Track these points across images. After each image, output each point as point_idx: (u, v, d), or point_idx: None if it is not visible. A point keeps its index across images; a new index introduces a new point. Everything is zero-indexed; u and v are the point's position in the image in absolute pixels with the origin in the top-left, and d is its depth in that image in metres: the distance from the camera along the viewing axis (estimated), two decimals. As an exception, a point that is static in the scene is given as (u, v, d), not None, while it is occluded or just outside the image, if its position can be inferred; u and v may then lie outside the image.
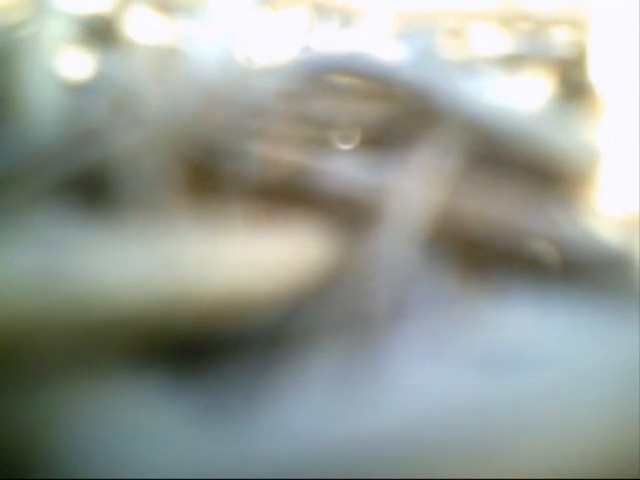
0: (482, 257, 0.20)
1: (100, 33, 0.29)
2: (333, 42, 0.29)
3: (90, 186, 0.21)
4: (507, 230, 0.20)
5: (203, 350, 0.17)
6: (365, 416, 0.13)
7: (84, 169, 0.21)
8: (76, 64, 0.25)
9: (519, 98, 0.23)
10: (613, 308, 0.16)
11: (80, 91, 0.24)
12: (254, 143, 0.22)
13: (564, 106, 0.24)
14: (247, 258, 0.18)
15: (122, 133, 0.21)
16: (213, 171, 0.22)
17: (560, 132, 0.22)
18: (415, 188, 0.20)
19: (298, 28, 0.31)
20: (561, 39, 0.29)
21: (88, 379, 0.15)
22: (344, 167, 0.22)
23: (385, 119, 0.24)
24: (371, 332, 0.17)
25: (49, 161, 0.21)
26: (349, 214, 0.21)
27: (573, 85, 0.26)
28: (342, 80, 0.25)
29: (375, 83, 0.24)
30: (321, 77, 0.25)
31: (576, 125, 0.23)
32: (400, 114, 0.23)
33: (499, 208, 0.21)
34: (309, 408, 0.14)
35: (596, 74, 0.26)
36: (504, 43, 0.29)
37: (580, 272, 0.20)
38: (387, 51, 0.25)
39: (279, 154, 0.22)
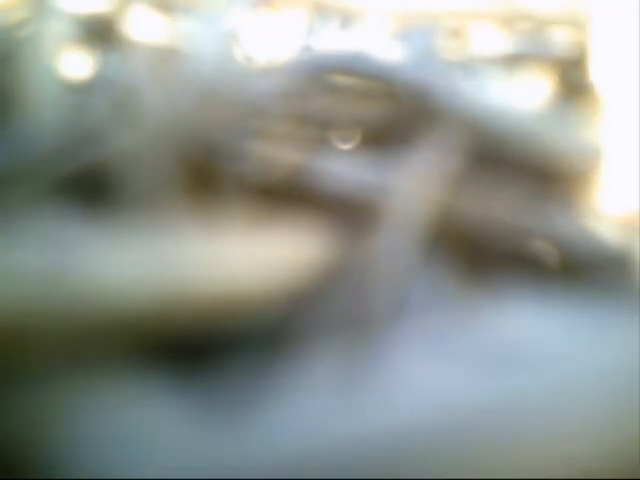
0: (482, 257, 0.20)
1: (100, 33, 0.29)
2: (333, 42, 0.29)
3: (90, 186, 0.21)
4: (507, 230, 0.20)
5: (203, 350, 0.17)
6: (365, 416, 0.13)
7: (84, 169, 0.21)
8: (76, 64, 0.25)
9: (519, 98, 0.23)
10: (613, 308, 0.16)
11: (80, 91, 0.24)
12: (254, 143, 0.22)
13: (564, 106, 0.24)
14: (247, 258, 0.18)
15: (122, 133, 0.21)
16: (213, 171, 0.22)
17: (560, 132, 0.22)
18: (415, 188, 0.20)
19: (298, 28, 0.31)
20: (561, 39, 0.29)
21: (88, 379, 0.15)
22: (344, 167, 0.22)
23: (385, 119, 0.24)
24: (371, 332, 0.17)
25: (49, 161, 0.21)
26: (349, 214, 0.21)
27: (573, 85, 0.26)
28: (342, 80, 0.25)
29: (375, 83, 0.24)
30: (321, 77, 0.25)
31: (576, 125, 0.23)
32: (400, 114, 0.23)
33: (499, 208, 0.21)
34: (309, 408, 0.14)
35: (596, 74, 0.26)
36: (504, 43, 0.29)
37: (580, 272, 0.20)
38: (387, 51, 0.25)
39: (279, 154, 0.22)
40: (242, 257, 0.18)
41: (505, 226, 0.20)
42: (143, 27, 0.29)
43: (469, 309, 0.17)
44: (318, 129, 0.23)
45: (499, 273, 0.20)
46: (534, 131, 0.22)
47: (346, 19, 0.32)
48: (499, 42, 0.29)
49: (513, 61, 0.27)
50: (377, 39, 0.29)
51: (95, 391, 0.14)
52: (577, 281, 0.19)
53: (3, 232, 0.16)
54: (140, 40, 0.28)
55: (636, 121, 0.23)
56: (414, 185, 0.21)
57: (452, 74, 0.24)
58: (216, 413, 0.14)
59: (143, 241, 0.17)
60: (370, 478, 0.12)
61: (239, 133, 0.22)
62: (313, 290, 0.18)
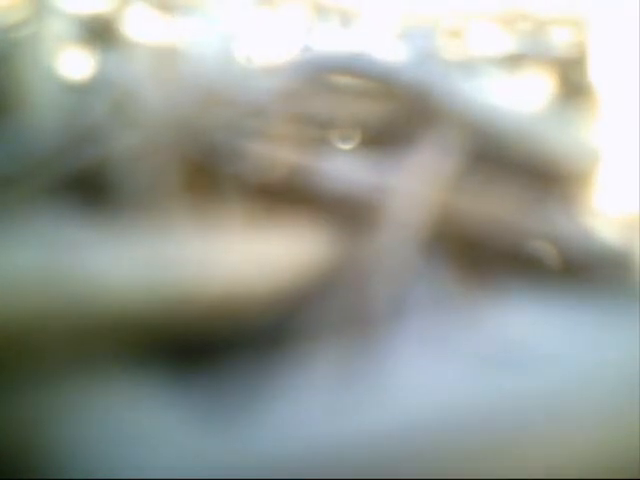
0: (482, 257, 0.20)
1: (100, 33, 0.29)
2: (333, 42, 0.29)
3: (90, 186, 0.21)
4: (507, 230, 0.20)
5: (203, 349, 0.17)
6: (365, 415, 0.13)
7: (84, 169, 0.21)
8: (76, 64, 0.25)
9: (519, 98, 0.23)
10: (613, 308, 0.16)
11: (80, 91, 0.24)
12: (254, 143, 0.22)
13: (564, 106, 0.24)
14: (247, 258, 0.18)
15: (122, 133, 0.21)
16: (213, 171, 0.22)
17: (560, 132, 0.22)
18: (415, 188, 0.20)
19: (298, 28, 0.31)
20: (561, 39, 0.29)
21: (88, 378, 0.15)
22: (344, 167, 0.22)
23: (385, 119, 0.24)
24: (371, 331, 0.17)
25: (49, 161, 0.21)
26: (349, 214, 0.21)
27: (573, 85, 0.26)
28: (342, 80, 0.25)
29: (375, 83, 0.24)
30: (321, 77, 0.25)
31: (576, 125, 0.23)
32: (400, 114, 0.23)
33: (499, 208, 0.21)
34: (309, 407, 0.14)
35: (596, 74, 0.26)
36: (504, 43, 0.29)
37: (580, 272, 0.20)
38: (387, 51, 0.25)
39: (279, 154, 0.22)
40: (242, 257, 0.18)
41: (505, 226, 0.20)
42: (143, 27, 0.29)
43: (469, 309, 0.17)
44: (318, 129, 0.23)
45: (499, 273, 0.20)
46: (534, 131, 0.22)
47: (346, 19, 0.32)
48: (499, 42, 0.29)
49: (513, 61, 0.27)
50: (377, 39, 0.29)
51: (95, 391, 0.14)
52: (577, 281, 0.19)
53: (3, 232, 0.16)
54: (140, 40, 0.28)
55: (636, 121, 0.23)
56: (414, 185, 0.21)
57: (452, 74, 0.24)
58: (216, 413, 0.14)
59: (143, 241, 0.17)
60: (370, 478, 0.12)
61: (239, 133, 0.22)
62: (313, 290, 0.18)
